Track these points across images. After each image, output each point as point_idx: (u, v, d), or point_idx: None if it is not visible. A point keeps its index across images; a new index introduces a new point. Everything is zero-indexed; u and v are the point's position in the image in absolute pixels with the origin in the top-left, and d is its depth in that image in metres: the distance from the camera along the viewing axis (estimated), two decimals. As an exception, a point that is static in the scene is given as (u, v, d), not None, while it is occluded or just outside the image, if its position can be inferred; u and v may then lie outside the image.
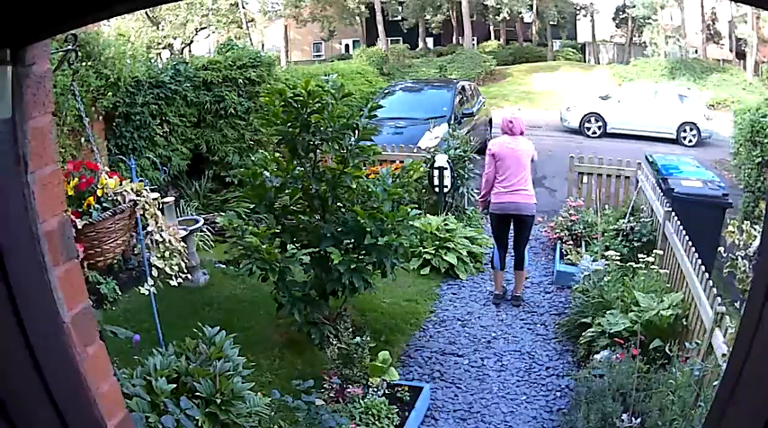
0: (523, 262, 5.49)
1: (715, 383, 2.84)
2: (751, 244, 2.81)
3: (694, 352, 3.48)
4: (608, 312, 4.29)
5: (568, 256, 6.01)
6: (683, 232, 4.56)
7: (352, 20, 32.29)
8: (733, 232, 2.97)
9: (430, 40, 34.80)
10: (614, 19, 34.57)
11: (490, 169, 5.35)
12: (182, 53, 23.54)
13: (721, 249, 3.36)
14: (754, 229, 2.91)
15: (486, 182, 5.41)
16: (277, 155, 4.81)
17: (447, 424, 3.84)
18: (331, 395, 3.62)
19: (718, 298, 3.34)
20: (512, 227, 5.42)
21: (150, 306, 3.56)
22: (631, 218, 6.08)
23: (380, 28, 29.64)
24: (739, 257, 2.88)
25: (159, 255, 3.14)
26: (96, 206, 2.71)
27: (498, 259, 5.47)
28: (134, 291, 4.63)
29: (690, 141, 14.60)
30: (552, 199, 8.93)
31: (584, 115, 15.26)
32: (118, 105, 6.16)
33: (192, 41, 26.68)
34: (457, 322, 5.17)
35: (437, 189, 7.08)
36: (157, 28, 25.08)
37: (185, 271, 3.35)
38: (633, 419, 3.22)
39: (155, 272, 3.19)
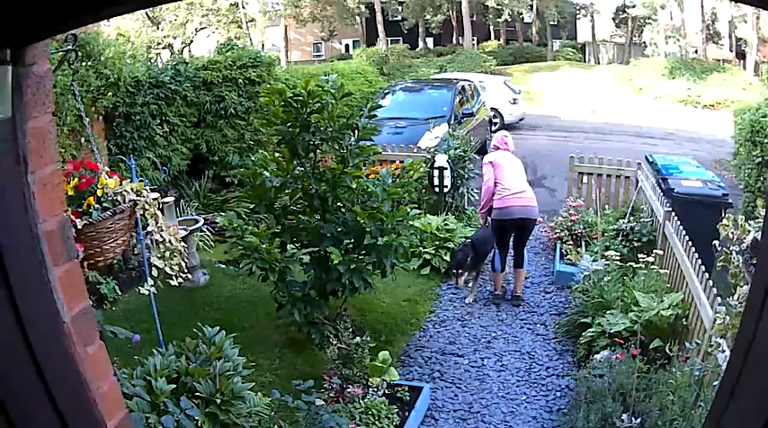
0: (523, 260, 5.51)
1: (715, 383, 2.84)
2: (745, 238, 2.80)
3: (694, 352, 3.49)
4: (608, 312, 4.29)
5: (568, 256, 6.01)
6: (683, 232, 4.56)
7: (352, 20, 32.33)
8: (727, 226, 2.97)
9: (430, 40, 34.83)
10: (614, 19, 34.64)
11: (489, 177, 5.36)
12: (182, 53, 23.54)
13: (716, 243, 3.36)
14: (749, 224, 2.91)
15: (486, 190, 5.39)
16: (277, 155, 4.81)
17: (447, 424, 3.84)
18: (331, 395, 3.62)
19: (719, 299, 3.34)
20: (514, 231, 5.41)
21: (150, 306, 3.56)
22: (631, 218, 6.08)
23: (380, 28, 29.68)
24: (733, 252, 2.87)
25: (159, 255, 3.13)
26: (96, 206, 2.71)
27: (499, 261, 5.48)
28: (134, 291, 4.63)
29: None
30: (552, 199, 8.93)
31: None
32: (118, 105, 6.16)
33: (191, 41, 26.70)
34: (457, 322, 5.17)
35: (437, 189, 7.08)
36: (157, 28, 25.11)
37: (186, 270, 3.35)
38: (633, 419, 3.22)
39: (155, 272, 3.19)
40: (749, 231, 2.85)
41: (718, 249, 3.25)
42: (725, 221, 3.04)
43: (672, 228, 4.89)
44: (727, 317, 2.96)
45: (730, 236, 2.95)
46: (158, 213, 3.06)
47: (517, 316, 5.29)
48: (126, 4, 1.10)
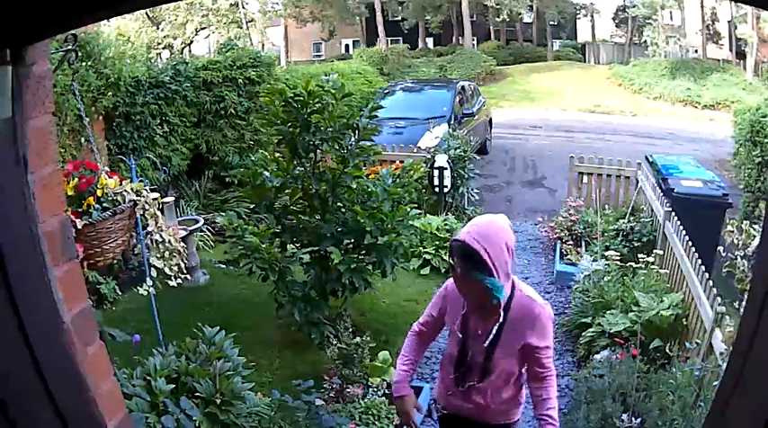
0: None
1: (715, 383, 2.84)
2: (750, 243, 2.81)
3: (694, 352, 3.49)
4: (608, 312, 4.29)
5: (568, 256, 6.01)
6: (683, 232, 4.56)
7: (352, 20, 32.29)
8: (732, 232, 2.97)
9: (430, 40, 34.77)
10: (614, 19, 34.61)
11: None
12: (182, 53, 23.53)
13: (720, 249, 3.36)
14: (753, 229, 2.91)
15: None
16: (277, 155, 4.81)
17: (447, 424, 3.83)
18: (331, 395, 3.62)
19: (719, 298, 3.34)
20: None
21: (150, 306, 3.56)
22: (631, 218, 6.08)
23: (380, 28, 29.65)
24: (738, 257, 2.88)
25: (159, 256, 3.13)
26: (96, 206, 2.71)
27: None
28: (134, 291, 4.63)
29: None
30: (552, 199, 8.93)
31: None
32: (118, 105, 6.16)
33: (191, 41, 26.67)
34: (457, 322, 5.16)
35: (437, 189, 7.08)
36: (157, 28, 25.08)
37: (184, 271, 3.34)
38: (633, 419, 3.22)
39: (154, 273, 3.19)
40: (754, 236, 2.85)
41: (723, 255, 3.25)
42: (729, 227, 3.04)
43: (672, 228, 4.89)
44: (729, 318, 2.96)
45: (735, 241, 2.95)
46: (158, 213, 3.06)
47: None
48: (126, 4, 1.10)
